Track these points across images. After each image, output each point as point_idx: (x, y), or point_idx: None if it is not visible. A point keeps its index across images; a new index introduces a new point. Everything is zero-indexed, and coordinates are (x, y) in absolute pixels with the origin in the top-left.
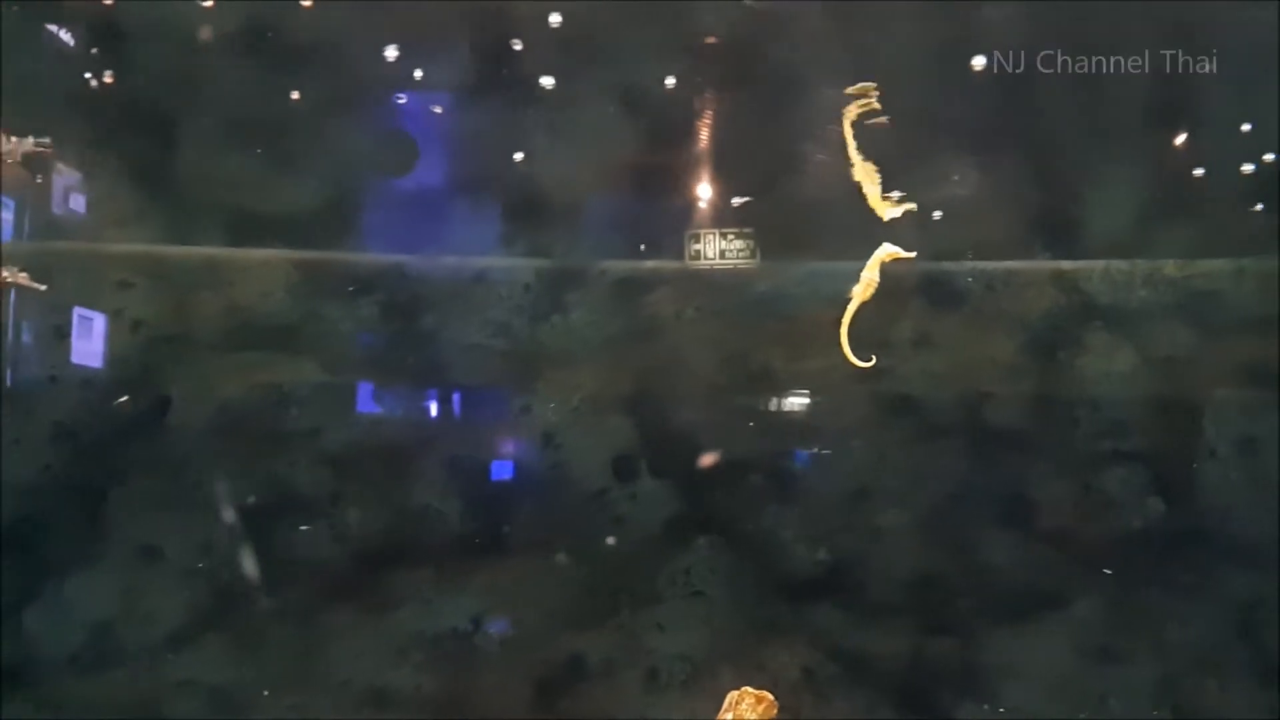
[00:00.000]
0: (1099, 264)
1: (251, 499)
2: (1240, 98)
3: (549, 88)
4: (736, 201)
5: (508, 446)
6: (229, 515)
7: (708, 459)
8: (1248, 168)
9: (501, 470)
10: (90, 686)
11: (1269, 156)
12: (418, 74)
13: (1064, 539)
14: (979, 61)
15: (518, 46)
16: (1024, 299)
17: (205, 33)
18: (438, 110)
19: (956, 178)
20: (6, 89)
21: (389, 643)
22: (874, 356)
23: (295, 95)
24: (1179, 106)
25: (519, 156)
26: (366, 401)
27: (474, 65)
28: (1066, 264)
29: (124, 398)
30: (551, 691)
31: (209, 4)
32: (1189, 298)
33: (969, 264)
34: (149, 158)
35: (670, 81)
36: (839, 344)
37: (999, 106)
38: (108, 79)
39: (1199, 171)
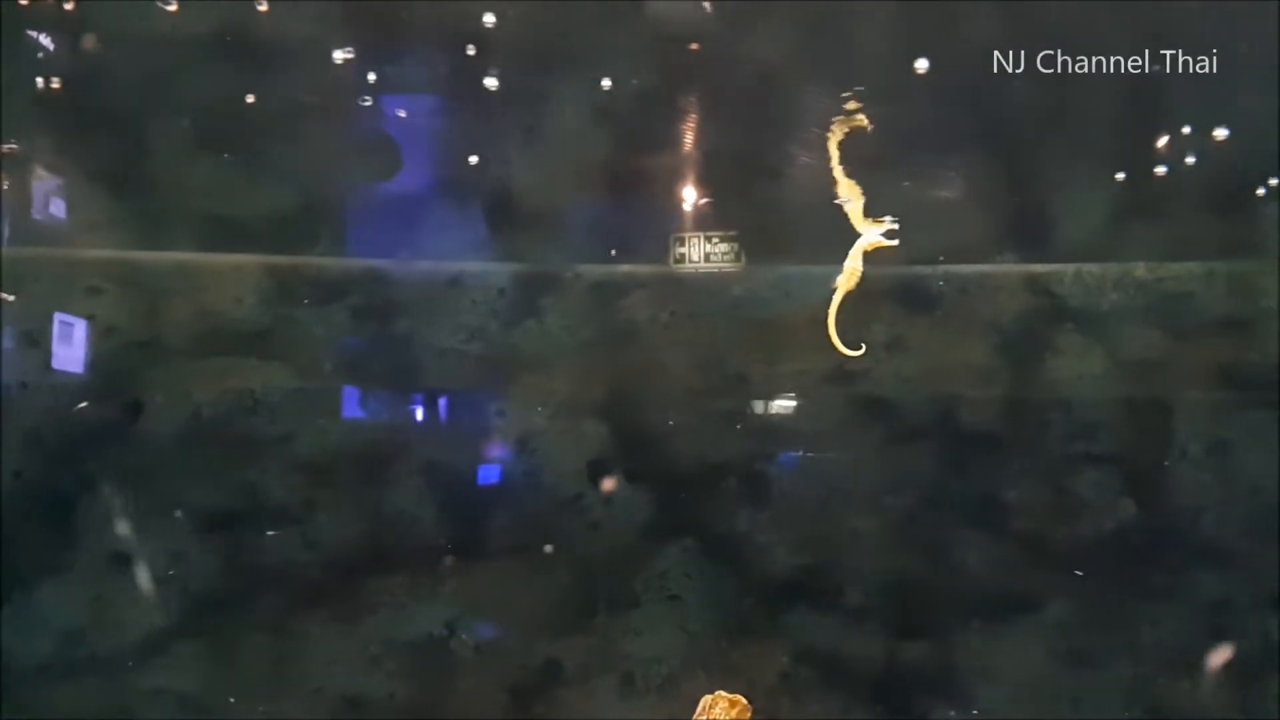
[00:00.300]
0: (1070, 267)
1: (223, 505)
2: (1212, 99)
3: (493, 89)
4: (689, 206)
5: (482, 452)
6: (200, 522)
7: (608, 483)
8: (1217, 170)
9: (476, 475)
10: (61, 694)
11: (1188, 157)
12: (391, 77)
13: (1037, 541)
14: (922, 64)
15: (490, 49)
16: (996, 302)
17: (174, 36)
18: (410, 114)
19: (907, 184)
20: None
21: (362, 649)
22: (863, 345)
23: (267, 99)
24: (1150, 108)
25: (474, 160)
26: (340, 407)
27: (446, 68)
28: (1038, 267)
29: (83, 403)
30: (526, 697)
31: (173, 8)
32: (1160, 300)
33: (941, 267)
34: (119, 162)
35: (647, 84)
36: (826, 335)
37: (970, 109)
38: (75, 83)
39: (1170, 174)
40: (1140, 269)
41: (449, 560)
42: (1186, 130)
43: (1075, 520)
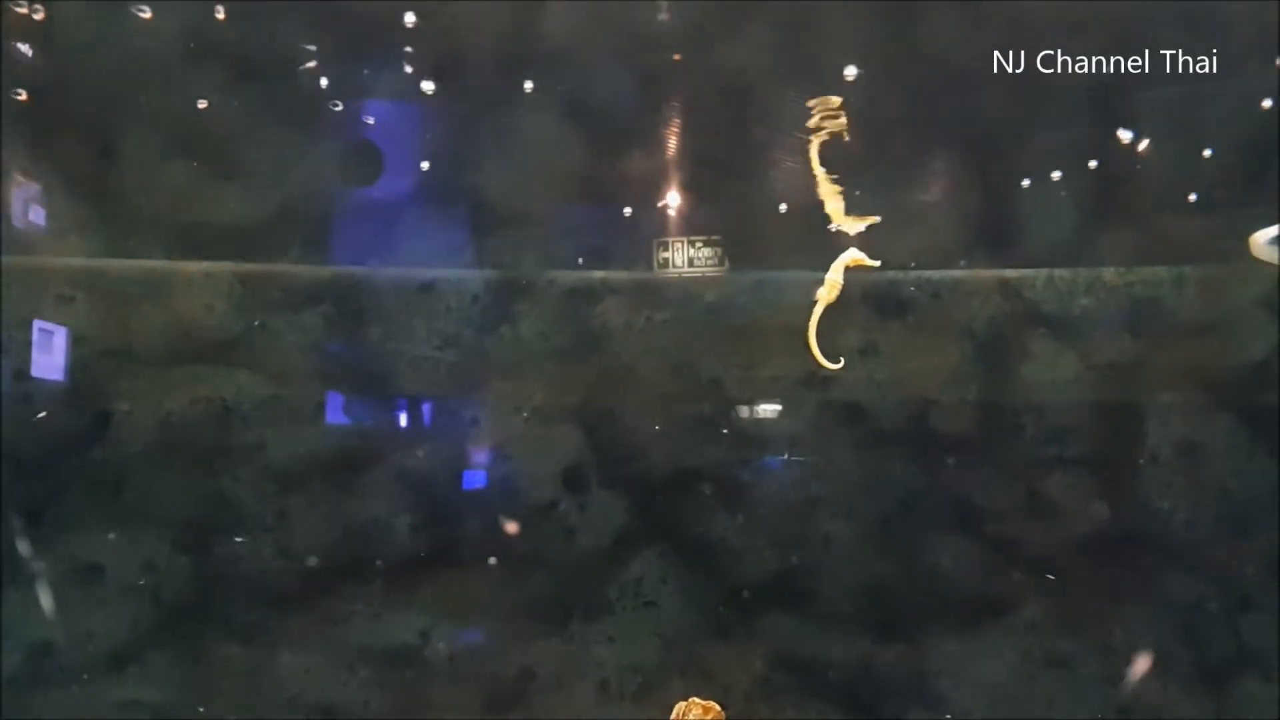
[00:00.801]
0: (1042, 272)
1: (196, 514)
2: (1184, 101)
3: (430, 91)
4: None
5: (456, 459)
6: (172, 531)
7: (512, 527)
8: (1190, 173)
9: (450, 482)
10: (30, 706)
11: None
12: (364, 83)
13: (1010, 545)
14: (850, 71)
15: (464, 53)
16: (969, 307)
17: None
18: (383, 120)
19: (858, 192)
20: None
21: (336, 658)
22: (841, 358)
23: (237, 106)
24: (1121, 112)
25: (425, 165)
26: (312, 414)
27: (421, 74)
28: (1010, 272)
29: (43, 413)
30: (502, 704)
31: (147, 15)
32: (1130, 304)
33: (914, 273)
34: (88, 170)
35: (623, 88)
36: (802, 342)
37: (941, 113)
38: (44, 91)
39: (1140, 178)
40: (1111, 273)
41: (423, 568)
42: (1157, 134)
43: (1048, 523)
